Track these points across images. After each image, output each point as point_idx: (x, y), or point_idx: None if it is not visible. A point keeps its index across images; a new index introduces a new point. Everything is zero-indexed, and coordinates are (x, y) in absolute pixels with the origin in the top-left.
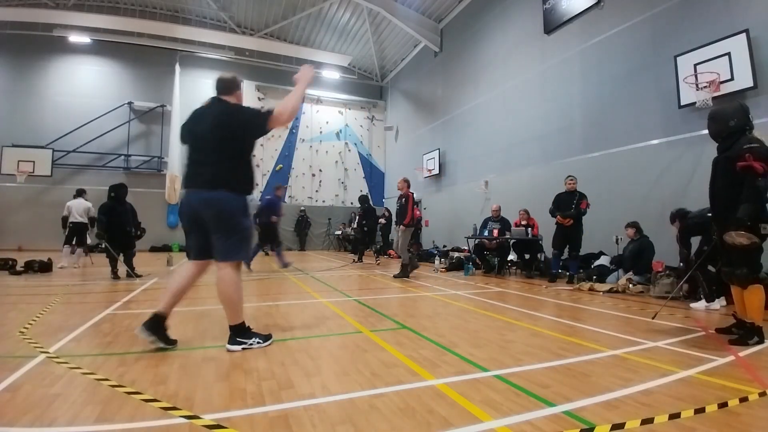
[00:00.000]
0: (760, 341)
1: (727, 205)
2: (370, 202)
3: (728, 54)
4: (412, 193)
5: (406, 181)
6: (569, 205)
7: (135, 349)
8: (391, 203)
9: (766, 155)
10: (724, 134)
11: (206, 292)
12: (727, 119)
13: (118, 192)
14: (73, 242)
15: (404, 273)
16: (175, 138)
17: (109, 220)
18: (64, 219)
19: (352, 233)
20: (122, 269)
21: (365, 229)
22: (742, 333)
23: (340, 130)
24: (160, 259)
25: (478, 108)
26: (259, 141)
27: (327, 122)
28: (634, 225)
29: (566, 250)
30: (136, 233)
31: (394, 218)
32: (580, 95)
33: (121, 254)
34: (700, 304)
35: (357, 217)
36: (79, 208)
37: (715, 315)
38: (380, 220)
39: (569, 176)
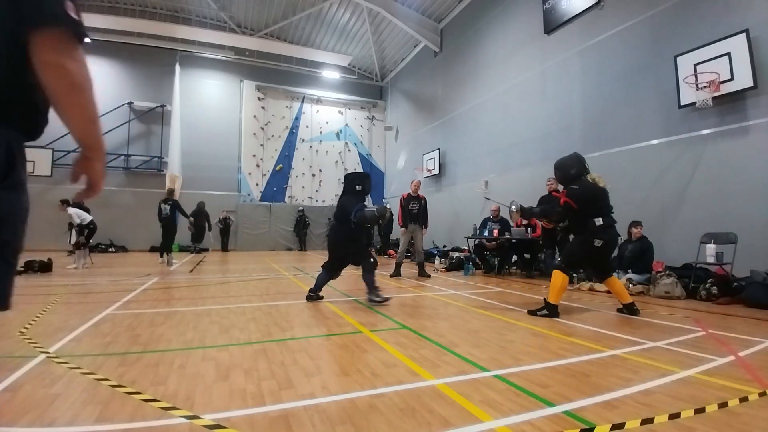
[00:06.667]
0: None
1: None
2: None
3: (728, 54)
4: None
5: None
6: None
7: (135, 349)
8: (392, 202)
9: (574, 194)
10: (569, 179)
11: (206, 292)
12: (568, 169)
13: (364, 184)
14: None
15: (399, 272)
16: (175, 138)
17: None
18: (70, 225)
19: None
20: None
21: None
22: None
23: (340, 130)
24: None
25: (478, 108)
26: (259, 141)
27: (327, 122)
28: (640, 224)
29: None
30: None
31: (398, 219)
32: (580, 95)
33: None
34: None
35: None
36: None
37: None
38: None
39: (550, 178)
